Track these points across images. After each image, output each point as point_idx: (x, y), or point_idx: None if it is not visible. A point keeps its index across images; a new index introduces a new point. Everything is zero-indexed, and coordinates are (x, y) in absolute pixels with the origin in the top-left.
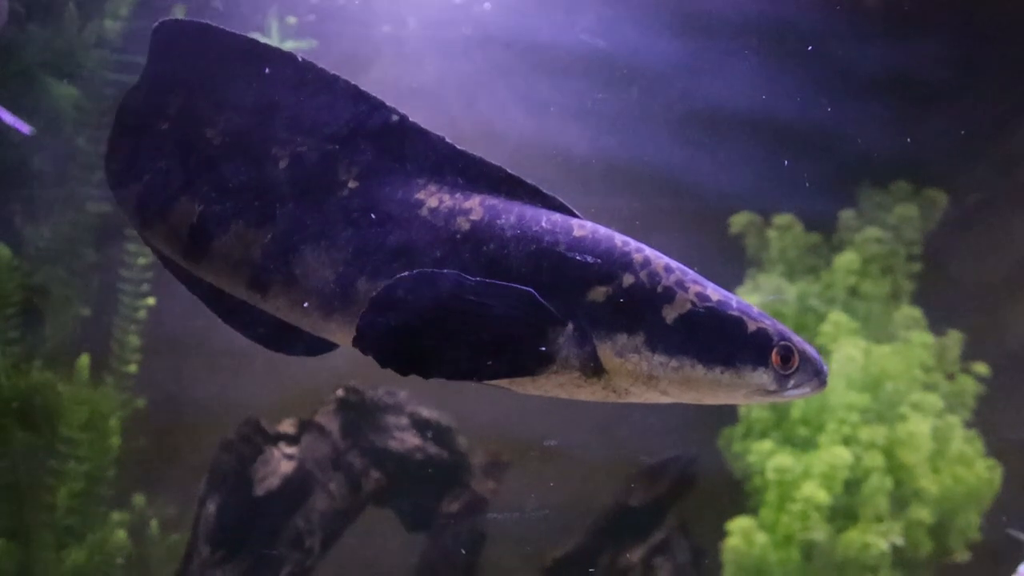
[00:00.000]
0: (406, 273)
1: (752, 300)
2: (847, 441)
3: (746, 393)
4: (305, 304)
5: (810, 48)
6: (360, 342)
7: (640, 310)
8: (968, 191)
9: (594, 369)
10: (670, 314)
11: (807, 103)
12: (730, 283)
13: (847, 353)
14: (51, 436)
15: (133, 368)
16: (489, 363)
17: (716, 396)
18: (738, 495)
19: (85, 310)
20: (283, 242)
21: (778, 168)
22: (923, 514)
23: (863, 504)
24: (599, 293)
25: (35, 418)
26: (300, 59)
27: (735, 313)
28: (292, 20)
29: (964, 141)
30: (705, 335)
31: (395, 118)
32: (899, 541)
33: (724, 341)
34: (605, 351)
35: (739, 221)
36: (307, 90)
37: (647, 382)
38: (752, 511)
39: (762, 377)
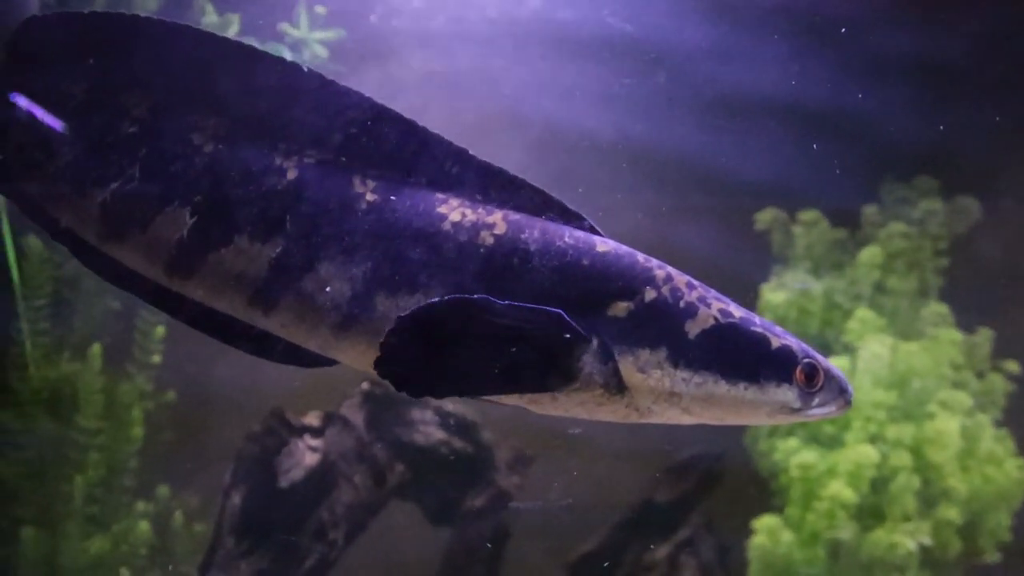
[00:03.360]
0: (436, 300)
1: (778, 297)
2: (874, 439)
3: (769, 411)
4: (316, 322)
5: (843, 30)
6: (382, 367)
7: (662, 325)
8: (1000, 181)
9: (616, 386)
10: (693, 329)
11: (837, 89)
12: (756, 276)
13: (873, 350)
14: (76, 426)
15: (157, 359)
16: (512, 381)
17: (739, 414)
18: (765, 493)
19: (114, 303)
20: (295, 257)
21: (806, 155)
22: (952, 514)
23: (890, 503)
24: (620, 308)
25: (64, 408)
26: (307, 69)
27: (759, 330)
28: (322, 10)
29: (997, 129)
30: (728, 351)
31: (415, 129)
32: (927, 541)
33: (748, 357)
34: (627, 367)
35: (765, 218)
36: (318, 100)
37: (669, 399)
38: (778, 509)
39: (786, 394)
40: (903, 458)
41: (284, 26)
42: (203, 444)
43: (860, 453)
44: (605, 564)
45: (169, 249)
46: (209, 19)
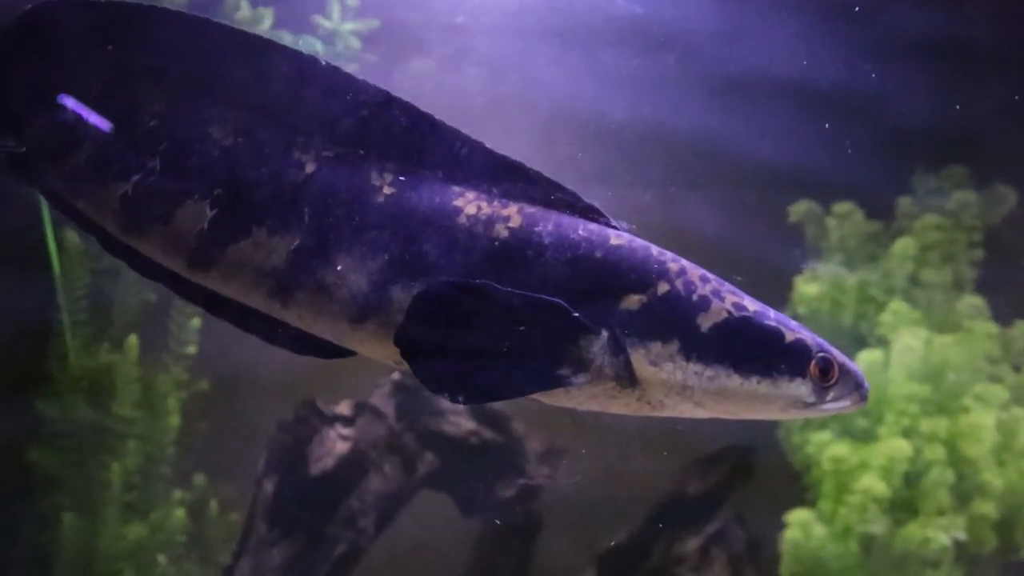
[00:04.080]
0: (435, 282)
1: (812, 289)
2: (907, 433)
3: (782, 405)
4: (334, 313)
5: (856, 9)
6: (403, 353)
7: (675, 318)
8: None
9: (628, 379)
10: (705, 323)
11: (851, 69)
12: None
13: (907, 343)
14: (114, 415)
15: (192, 349)
16: (522, 377)
17: (752, 409)
18: (797, 487)
19: (151, 295)
20: (314, 249)
21: (818, 136)
22: (987, 509)
23: (924, 497)
24: (633, 301)
25: (102, 397)
26: (324, 63)
27: (772, 323)
28: (353, 1)
29: (1020, 110)
30: (741, 344)
31: (432, 123)
32: (962, 536)
33: (761, 351)
34: (639, 360)
35: (798, 210)
36: (336, 94)
37: (681, 392)
38: (811, 503)
39: (800, 388)
40: (937, 452)
41: (317, 18)
42: (240, 434)
43: (893, 447)
44: (635, 557)
45: (189, 241)
46: (243, 14)
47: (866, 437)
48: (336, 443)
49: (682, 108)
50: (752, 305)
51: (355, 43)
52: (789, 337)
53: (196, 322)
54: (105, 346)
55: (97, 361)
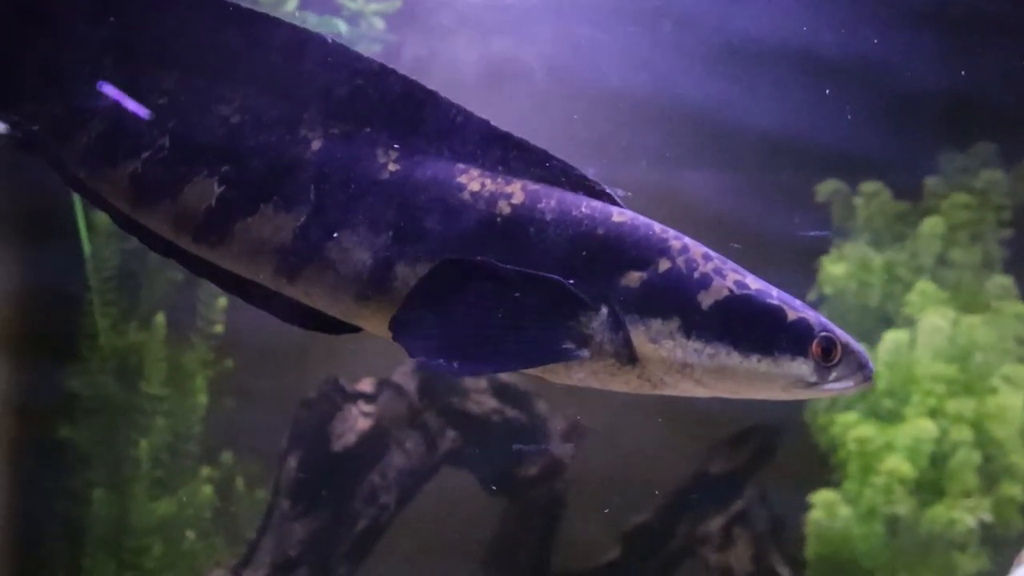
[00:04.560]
0: (437, 262)
1: (838, 269)
2: (933, 414)
3: (784, 385)
4: (339, 289)
5: None
6: (395, 333)
7: (675, 296)
8: None
9: (628, 356)
10: (706, 300)
11: (851, 35)
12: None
13: (933, 323)
14: (143, 393)
15: (219, 328)
16: (522, 351)
17: (753, 387)
18: (824, 468)
19: (178, 275)
20: (319, 225)
21: (819, 104)
22: (1014, 491)
23: (950, 479)
24: (634, 278)
25: (131, 376)
26: (331, 40)
27: (775, 302)
28: None
29: None
30: (742, 322)
31: (438, 100)
32: (988, 518)
33: (762, 329)
34: (639, 337)
35: (825, 189)
36: (344, 72)
37: (681, 370)
38: (837, 484)
39: (801, 368)
40: (964, 433)
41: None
42: (266, 411)
43: (919, 427)
44: (659, 536)
45: (197, 218)
46: None
47: (892, 418)
48: (358, 420)
49: (678, 76)
50: (755, 283)
51: (379, 23)
52: (791, 316)
53: (223, 301)
54: (134, 325)
55: (126, 340)
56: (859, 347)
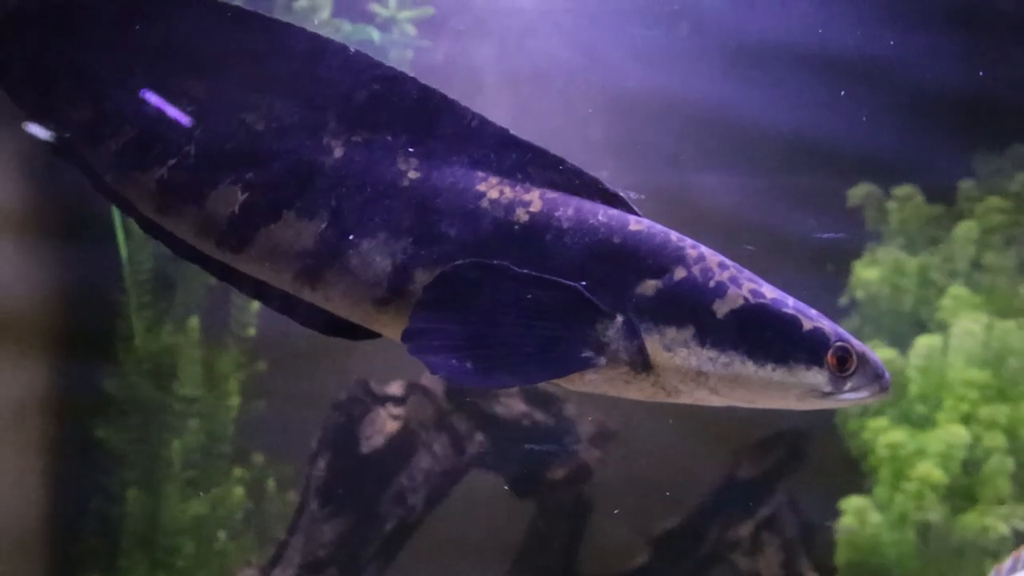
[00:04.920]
0: (456, 263)
1: (871, 274)
2: (966, 419)
3: (799, 394)
4: (359, 295)
5: None
6: (409, 345)
7: (691, 304)
8: None
9: (643, 364)
10: (721, 309)
11: (869, 36)
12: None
13: (966, 327)
14: (176, 394)
15: (252, 331)
16: (543, 362)
17: (768, 396)
18: (855, 473)
19: (212, 278)
20: (340, 232)
21: (836, 105)
22: None
23: (983, 485)
24: (649, 287)
25: (165, 377)
26: (353, 50)
27: (790, 311)
28: None
29: None
30: (757, 331)
31: (458, 109)
32: (1021, 525)
33: (777, 338)
34: (654, 345)
35: (858, 193)
36: (366, 81)
37: (696, 379)
38: (868, 490)
39: (816, 377)
40: (997, 439)
41: (374, 5)
42: (297, 414)
43: (951, 433)
44: (688, 541)
45: (221, 224)
46: (300, 3)
47: (924, 423)
48: (387, 422)
49: (696, 78)
50: (771, 293)
51: (411, 30)
52: (807, 325)
53: (256, 305)
54: (168, 328)
55: (161, 342)
56: (875, 357)
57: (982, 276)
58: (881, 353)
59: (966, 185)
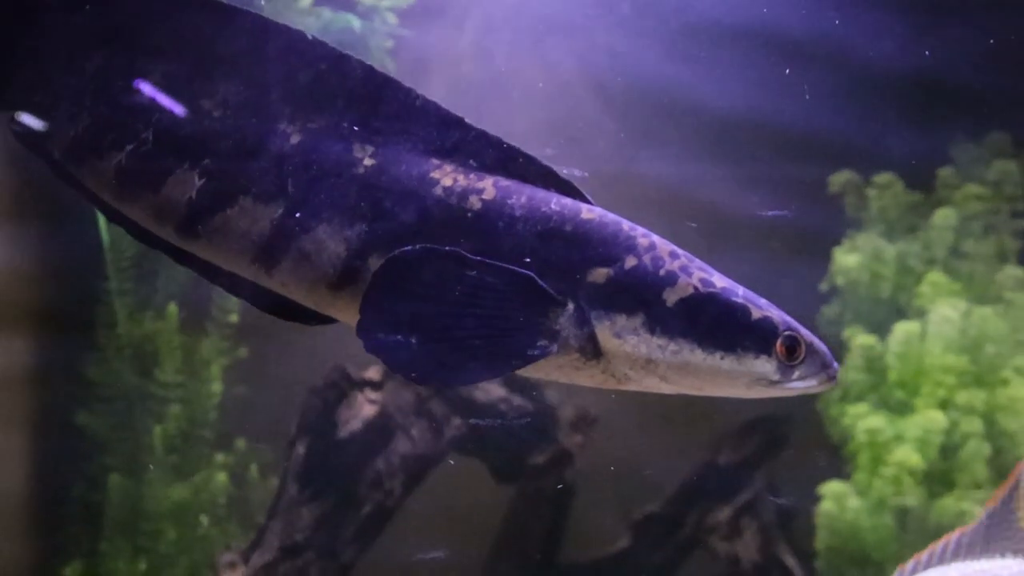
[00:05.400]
0: (406, 248)
1: (851, 261)
2: (944, 405)
3: (747, 382)
4: (313, 280)
5: None
6: (365, 342)
7: (641, 292)
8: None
9: (592, 351)
10: (671, 297)
11: (813, 14)
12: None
13: (943, 313)
14: (157, 380)
15: (234, 318)
16: (498, 355)
17: (717, 384)
18: (836, 459)
19: None
20: (296, 218)
21: (779, 82)
22: None
23: (960, 470)
24: (600, 275)
25: (146, 363)
26: (311, 37)
27: (740, 300)
28: None
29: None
30: (706, 320)
31: (415, 98)
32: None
33: (726, 327)
34: (604, 332)
35: (838, 180)
36: (323, 68)
37: (645, 366)
38: (848, 476)
39: (764, 366)
40: (974, 424)
41: None
42: (278, 400)
43: (929, 419)
44: (668, 526)
45: (179, 210)
46: None
47: (902, 409)
48: (364, 407)
49: (637, 56)
50: (720, 282)
51: (392, 19)
52: (756, 314)
53: None
54: (150, 314)
55: (142, 328)
56: (823, 346)
57: (960, 263)
58: (861, 339)
59: (945, 172)
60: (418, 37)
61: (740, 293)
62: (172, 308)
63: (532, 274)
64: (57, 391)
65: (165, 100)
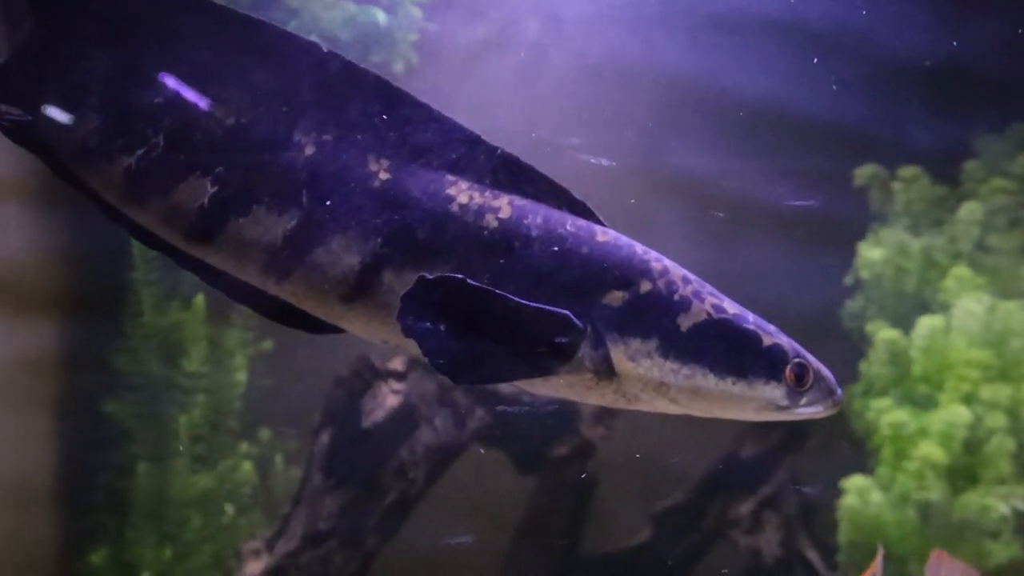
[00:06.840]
0: (442, 275)
1: (875, 254)
2: (967, 399)
3: (756, 407)
4: (325, 292)
5: None
6: (408, 332)
7: (655, 316)
8: None
9: (606, 372)
10: (685, 322)
11: (839, 4)
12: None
13: (968, 308)
14: (183, 370)
15: None
16: (511, 367)
17: (726, 408)
18: (860, 453)
19: None
20: (310, 229)
21: (806, 73)
22: None
23: (984, 465)
24: (616, 297)
25: (172, 353)
26: (327, 50)
27: (751, 327)
28: None
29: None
30: (719, 345)
31: (431, 114)
32: (1021, 505)
33: (738, 353)
34: (618, 355)
35: (863, 174)
36: (338, 80)
37: (657, 389)
38: (872, 470)
39: (774, 392)
40: (998, 419)
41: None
42: (303, 391)
43: (952, 413)
44: (689, 518)
45: (189, 216)
46: None
47: (926, 403)
48: (388, 397)
49: (665, 45)
50: (732, 308)
51: (416, 12)
52: (767, 341)
53: None
54: (176, 304)
55: (168, 319)
56: (828, 373)
57: (985, 257)
58: (885, 333)
59: (971, 165)
60: (442, 29)
61: (751, 319)
62: (199, 299)
63: (569, 314)
64: (84, 379)
65: (178, 106)
